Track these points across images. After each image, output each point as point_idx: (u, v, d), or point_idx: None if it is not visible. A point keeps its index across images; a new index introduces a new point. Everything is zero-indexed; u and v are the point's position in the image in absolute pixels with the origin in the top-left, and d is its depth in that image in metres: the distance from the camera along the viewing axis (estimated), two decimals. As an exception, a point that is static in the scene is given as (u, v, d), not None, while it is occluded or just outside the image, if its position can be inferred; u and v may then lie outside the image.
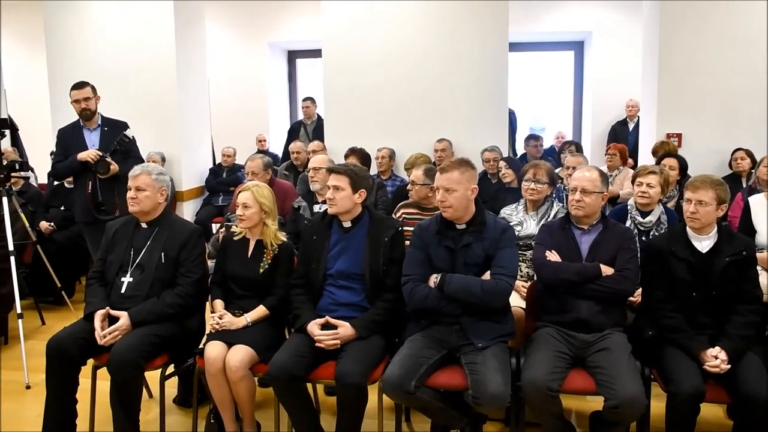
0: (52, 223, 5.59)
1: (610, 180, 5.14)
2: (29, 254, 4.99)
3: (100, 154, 4.45)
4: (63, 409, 3.05)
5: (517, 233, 3.45)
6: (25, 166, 4.48)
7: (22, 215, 4.67)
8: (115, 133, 4.58)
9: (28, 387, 3.94)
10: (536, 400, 2.67)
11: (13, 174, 4.43)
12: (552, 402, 2.67)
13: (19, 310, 4.16)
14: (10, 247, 4.19)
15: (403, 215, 4.04)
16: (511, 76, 6.13)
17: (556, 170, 4.60)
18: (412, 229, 3.23)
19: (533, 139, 6.97)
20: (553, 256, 2.99)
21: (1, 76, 7.72)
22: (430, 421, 3.05)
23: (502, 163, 4.98)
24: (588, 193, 2.98)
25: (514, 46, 7.02)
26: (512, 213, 3.79)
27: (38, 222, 5.44)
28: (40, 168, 6.62)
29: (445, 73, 5.99)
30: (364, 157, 5.33)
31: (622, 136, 7.84)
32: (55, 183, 6.00)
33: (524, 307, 3.23)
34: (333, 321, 2.92)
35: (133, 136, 4.70)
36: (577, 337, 2.87)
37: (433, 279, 2.87)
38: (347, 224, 3.09)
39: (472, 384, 2.66)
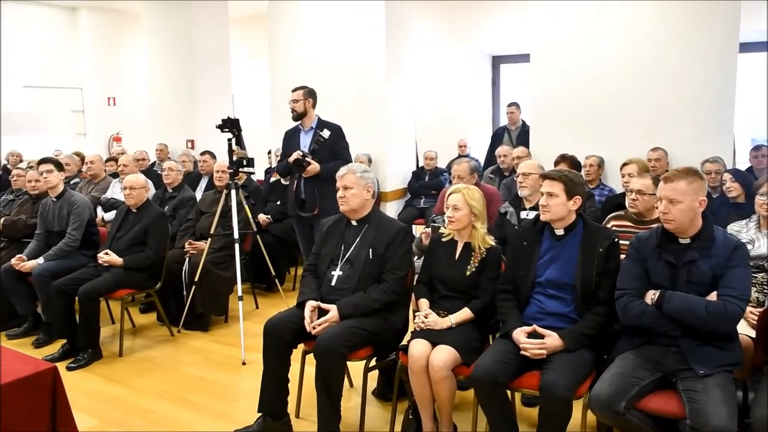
0: (269, 216, 6.06)
1: None
2: (249, 243, 5.44)
3: (301, 154, 4.74)
4: (277, 386, 3.27)
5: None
6: (251, 162, 4.90)
7: (246, 207, 5.10)
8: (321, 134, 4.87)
9: (244, 363, 4.29)
10: (769, 442, 2.39)
11: (240, 169, 4.88)
12: (789, 447, 2.38)
13: (239, 293, 4.55)
14: (236, 235, 4.62)
15: (614, 227, 3.81)
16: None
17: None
18: (623, 242, 3.07)
19: (757, 149, 6.30)
20: (793, 281, 2.67)
21: (231, 83, 8.63)
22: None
23: (726, 176, 4.54)
24: (841, 211, 2.63)
25: (743, 47, 6.35)
26: (741, 230, 3.47)
27: (257, 214, 5.88)
28: (258, 166, 7.20)
29: (663, 76, 5.53)
30: (575, 164, 5.14)
31: None
32: (272, 179, 6.50)
33: (753, 336, 2.91)
34: (540, 330, 2.84)
35: (345, 139, 4.97)
36: (823, 376, 2.53)
37: (651, 295, 2.69)
38: (560, 232, 2.99)
39: (690, 413, 2.44)
